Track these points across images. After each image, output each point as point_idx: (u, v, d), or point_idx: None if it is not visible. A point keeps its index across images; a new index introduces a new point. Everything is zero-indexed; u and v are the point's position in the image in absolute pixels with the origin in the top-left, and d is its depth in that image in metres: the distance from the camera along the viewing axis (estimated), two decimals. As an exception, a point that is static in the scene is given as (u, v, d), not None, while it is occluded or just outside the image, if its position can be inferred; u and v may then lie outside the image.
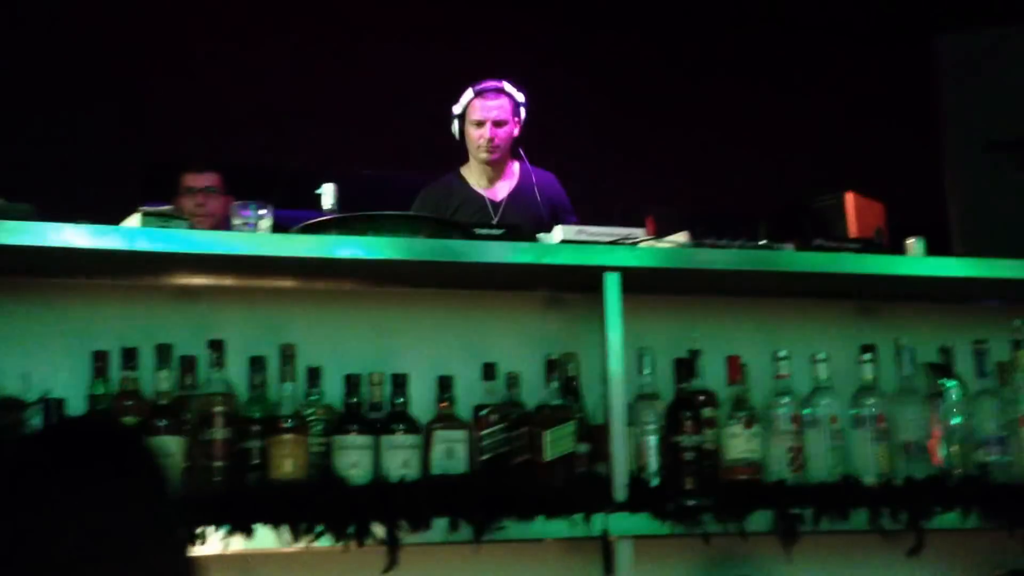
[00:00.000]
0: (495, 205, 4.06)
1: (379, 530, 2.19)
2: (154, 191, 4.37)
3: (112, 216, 2.38)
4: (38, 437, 1.66)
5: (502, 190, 4.11)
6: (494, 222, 3.75)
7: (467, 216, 3.76)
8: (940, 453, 2.64)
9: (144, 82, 5.91)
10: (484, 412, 2.47)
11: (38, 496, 1.30)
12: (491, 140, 3.98)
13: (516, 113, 4.03)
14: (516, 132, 4.06)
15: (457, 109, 4.05)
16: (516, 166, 4.14)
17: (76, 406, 2.26)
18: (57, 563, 1.27)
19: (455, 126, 4.09)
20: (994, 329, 2.80)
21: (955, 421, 2.67)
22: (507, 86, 4.04)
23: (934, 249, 2.90)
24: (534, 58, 6.56)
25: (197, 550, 2.06)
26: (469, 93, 4.01)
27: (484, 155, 4.02)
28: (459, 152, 4.20)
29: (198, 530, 2.07)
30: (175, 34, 6.09)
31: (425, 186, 4.12)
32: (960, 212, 3.25)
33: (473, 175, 4.12)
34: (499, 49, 6.45)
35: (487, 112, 3.98)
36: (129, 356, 2.31)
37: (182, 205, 4.24)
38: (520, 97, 4.05)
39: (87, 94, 5.82)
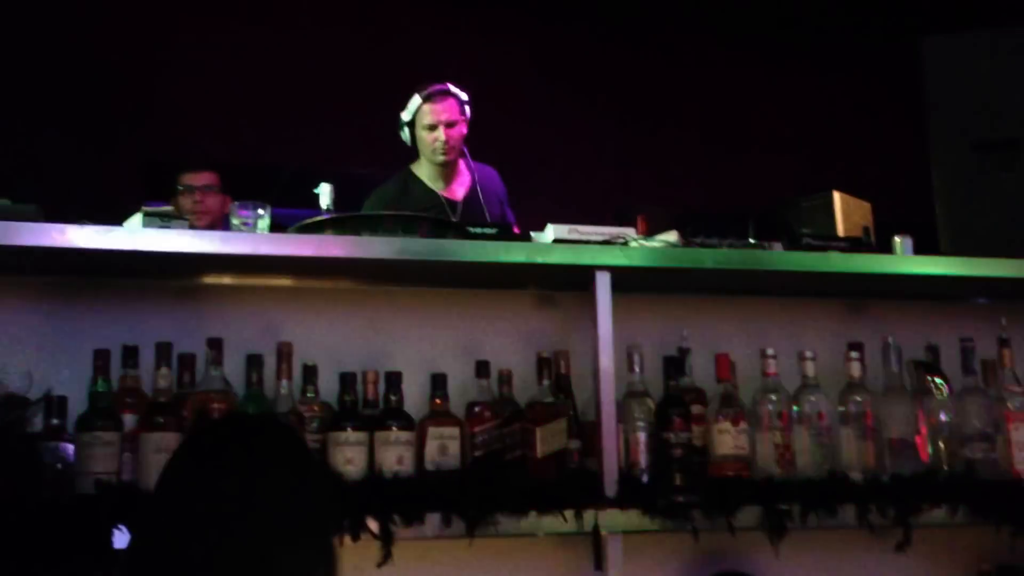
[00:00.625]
0: (453, 205, 4.10)
1: (373, 525, 2.23)
2: (155, 191, 4.41)
3: (114, 216, 2.42)
4: (225, 426, 1.80)
5: (459, 190, 4.15)
6: (454, 221, 3.76)
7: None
8: (927, 450, 2.68)
9: (146, 84, 5.94)
10: (477, 409, 2.51)
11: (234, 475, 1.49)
12: (445, 142, 4.01)
13: (463, 112, 4.08)
14: (465, 131, 4.10)
15: (406, 116, 4.08)
16: (462, 165, 4.17)
17: (78, 404, 2.30)
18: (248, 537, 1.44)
19: (405, 132, 4.11)
20: (980, 327, 2.84)
21: (942, 418, 2.71)
22: (452, 87, 4.07)
23: (921, 248, 2.94)
24: (521, 59, 6.61)
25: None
26: (417, 99, 4.04)
27: (440, 157, 4.04)
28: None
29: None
30: (176, 36, 6.12)
31: (382, 185, 4.13)
32: (947, 211, 3.28)
33: (427, 175, 4.13)
34: (485, 49, 6.50)
35: (438, 115, 4.01)
36: (129, 354, 2.35)
37: (180, 203, 4.28)
38: (464, 96, 4.08)
39: (89, 96, 5.85)
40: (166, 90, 5.95)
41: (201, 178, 4.36)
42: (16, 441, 2.14)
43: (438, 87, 4.05)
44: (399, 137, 4.14)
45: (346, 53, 6.40)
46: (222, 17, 6.24)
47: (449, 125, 4.03)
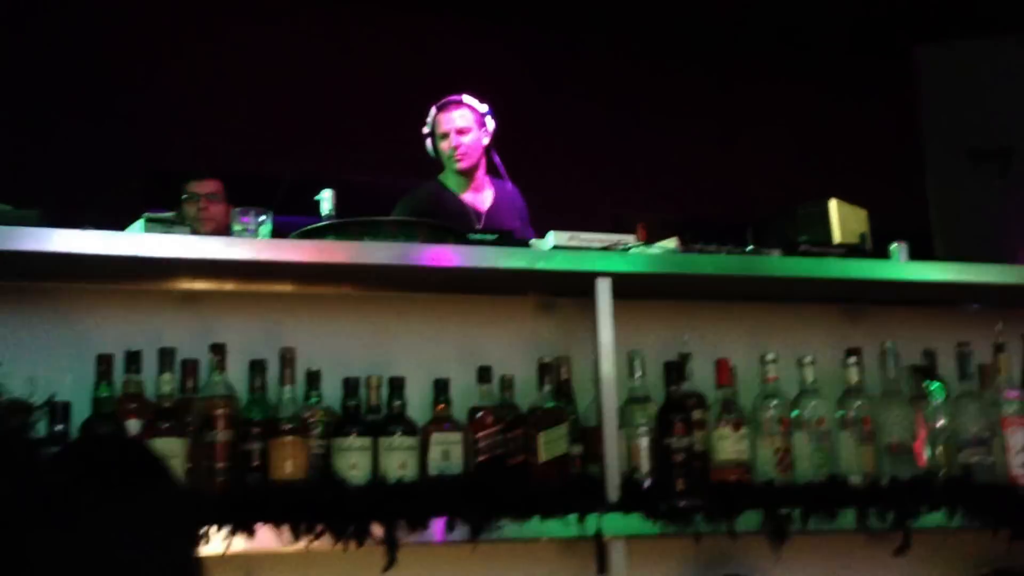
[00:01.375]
0: (479, 215, 4.15)
1: (378, 530, 2.24)
2: (158, 198, 4.42)
3: (116, 222, 2.42)
4: (70, 453, 1.71)
5: (484, 200, 4.21)
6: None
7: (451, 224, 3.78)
8: (925, 454, 2.70)
9: (149, 91, 5.95)
10: (479, 414, 2.51)
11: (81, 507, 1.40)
12: (456, 148, 4.10)
13: (481, 123, 4.16)
14: (485, 141, 4.18)
15: (426, 129, 4.19)
16: (486, 178, 4.25)
17: (81, 409, 2.29)
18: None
19: (428, 145, 4.21)
20: (976, 332, 2.86)
21: (939, 423, 2.73)
22: (467, 98, 4.17)
23: (917, 254, 2.96)
24: (520, 68, 6.64)
25: (200, 549, 2.11)
26: (433, 111, 4.17)
27: (454, 164, 4.13)
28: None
29: (201, 530, 2.12)
30: (180, 44, 6.13)
31: (408, 192, 4.19)
32: (942, 218, 3.31)
33: (454, 185, 4.20)
34: (486, 57, 6.52)
35: (450, 123, 4.12)
36: (133, 360, 2.36)
37: (185, 210, 4.31)
38: (482, 108, 4.17)
39: (92, 103, 5.85)
40: (169, 98, 5.97)
41: (206, 186, 4.43)
42: (19, 447, 2.13)
43: (451, 97, 4.15)
44: (399, 144, 4.18)
45: (347, 62, 6.42)
46: (226, 26, 6.26)
47: (461, 132, 4.10)
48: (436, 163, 4.22)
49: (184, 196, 4.42)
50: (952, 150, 3.35)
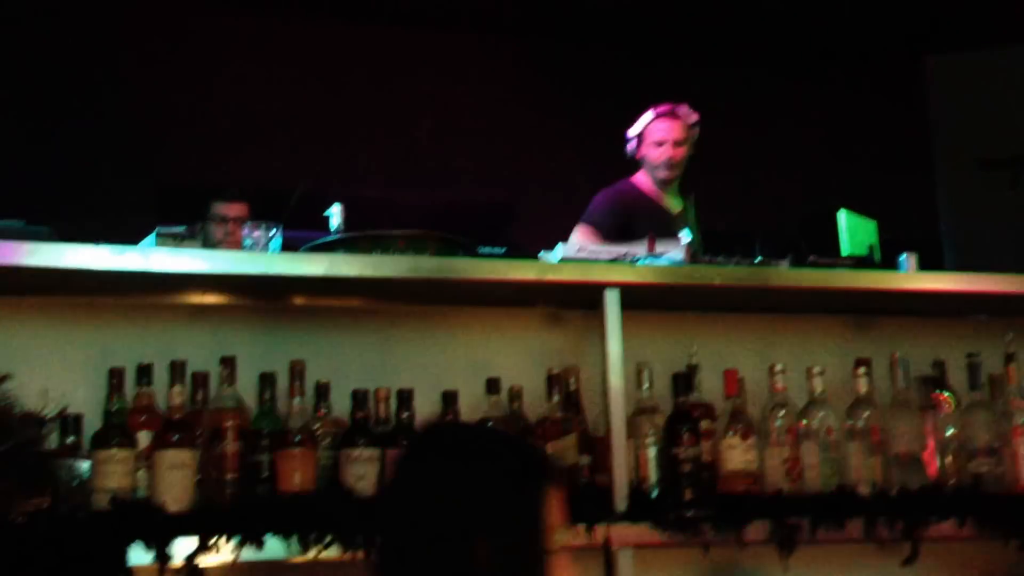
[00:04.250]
0: (673, 217, 4.14)
1: (386, 540, 2.25)
2: (170, 213, 4.44)
3: (129, 237, 2.45)
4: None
5: (676, 204, 4.22)
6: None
7: (649, 226, 3.58)
8: (934, 464, 2.69)
9: (160, 107, 6.01)
10: (488, 426, 2.52)
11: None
12: (670, 159, 4.14)
13: (690, 136, 4.20)
14: (687, 152, 4.21)
15: (635, 130, 4.21)
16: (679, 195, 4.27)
17: (93, 421, 2.32)
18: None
19: (632, 146, 4.24)
20: (986, 342, 2.85)
21: (948, 433, 2.72)
22: (683, 109, 4.20)
23: (927, 264, 2.96)
24: (529, 80, 6.66)
25: (209, 560, 2.14)
26: (650, 114, 4.18)
27: (664, 173, 4.15)
28: (455, 174, 4.32)
29: (211, 540, 2.14)
30: (191, 60, 6.19)
31: (605, 190, 4.23)
32: (951, 228, 3.31)
33: (654, 188, 4.23)
34: (495, 73, 6.56)
35: (668, 132, 4.15)
36: (144, 373, 2.38)
37: (212, 230, 4.32)
38: (693, 119, 4.21)
39: (104, 118, 5.91)
40: (182, 113, 6.02)
41: (234, 208, 4.39)
42: (32, 458, 2.16)
43: (671, 106, 4.18)
44: (406, 158, 4.21)
45: (356, 78, 6.46)
46: (239, 41, 6.32)
47: (677, 144, 4.14)
48: (444, 178, 4.24)
49: (210, 215, 4.40)
50: (962, 160, 3.36)
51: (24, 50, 5.88)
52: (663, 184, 4.20)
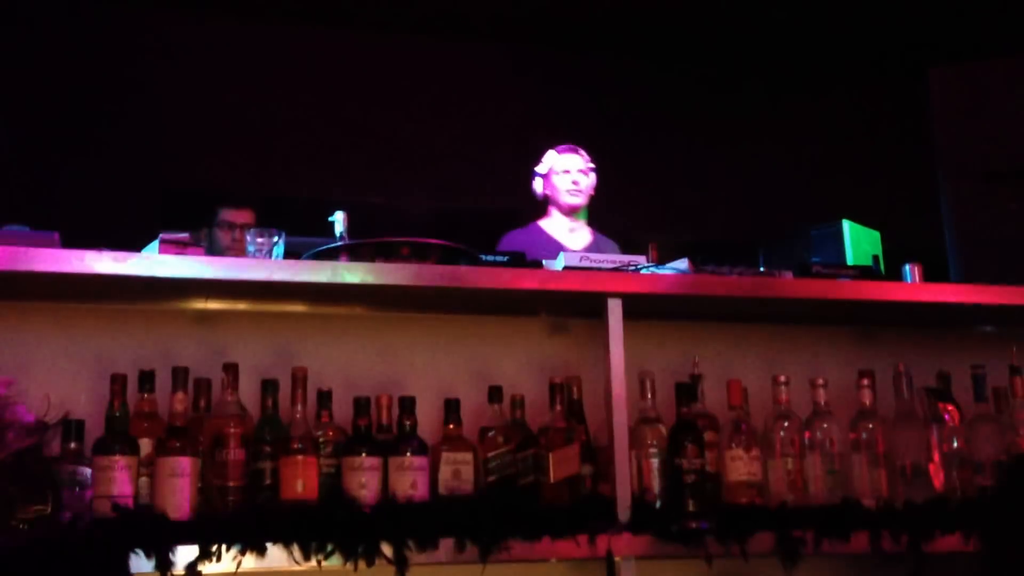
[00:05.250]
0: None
1: (387, 550, 2.24)
2: (174, 219, 4.43)
3: (133, 243, 2.45)
4: None
5: (578, 242, 4.41)
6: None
7: None
8: (940, 477, 2.68)
9: (165, 114, 6.01)
10: (490, 434, 2.52)
11: None
12: (576, 184, 4.42)
13: (590, 172, 4.48)
14: (594, 184, 4.49)
15: (542, 168, 4.50)
16: (588, 228, 4.49)
17: (95, 428, 2.31)
18: None
19: (538, 183, 4.51)
20: (991, 354, 2.84)
21: (954, 445, 2.71)
22: (580, 150, 4.51)
23: (931, 275, 2.96)
24: (532, 90, 6.67)
25: (210, 568, 2.13)
26: (552, 153, 4.50)
27: (570, 198, 4.41)
28: (459, 181, 4.34)
29: (212, 548, 2.13)
30: (196, 67, 6.19)
31: (509, 232, 4.46)
32: (956, 239, 3.30)
33: (553, 227, 4.45)
34: (498, 82, 6.56)
35: (574, 163, 4.46)
36: (146, 379, 2.38)
37: (218, 236, 4.32)
38: (590, 164, 4.50)
39: (110, 125, 5.91)
40: (186, 120, 6.02)
41: (241, 216, 4.40)
42: (34, 465, 2.16)
43: (571, 145, 4.52)
44: (412, 167, 4.23)
45: (361, 85, 6.47)
46: (242, 49, 6.32)
47: (583, 172, 4.44)
48: (448, 186, 4.26)
49: (217, 222, 4.40)
50: (967, 171, 3.35)
51: (29, 56, 5.89)
52: (571, 213, 4.43)
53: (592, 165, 4.50)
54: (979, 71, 3.45)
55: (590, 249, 4.34)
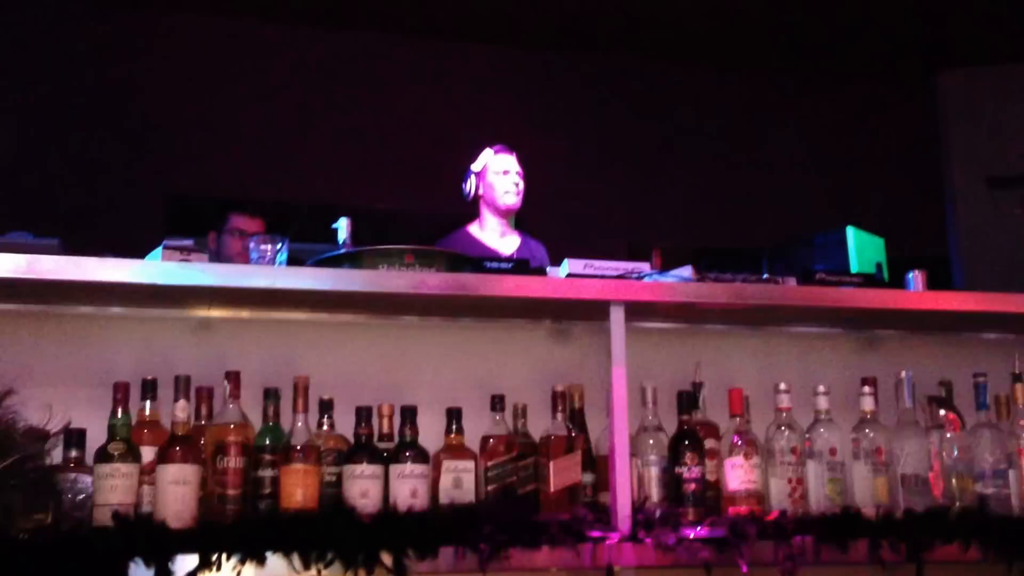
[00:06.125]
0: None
1: (387, 559, 2.24)
2: (178, 226, 4.43)
3: (138, 250, 2.46)
4: None
5: (508, 246, 4.37)
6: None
7: None
8: (940, 486, 2.67)
9: (168, 120, 6.01)
10: (491, 442, 2.52)
11: None
12: (516, 185, 4.33)
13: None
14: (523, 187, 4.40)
15: (476, 167, 4.39)
16: (516, 231, 4.44)
17: (96, 436, 2.32)
18: None
19: (471, 183, 4.41)
20: (993, 362, 2.83)
21: (955, 454, 2.71)
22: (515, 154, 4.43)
23: (935, 282, 2.94)
24: (535, 94, 6.66)
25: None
26: (489, 152, 4.40)
27: (511, 199, 4.33)
28: (459, 187, 4.36)
29: (212, 557, 2.14)
30: (200, 71, 6.20)
31: (442, 239, 4.39)
32: (961, 246, 3.29)
33: (484, 232, 4.39)
34: (499, 88, 6.55)
35: (511, 164, 4.37)
36: (148, 387, 2.39)
37: (228, 243, 4.31)
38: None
39: (113, 131, 5.92)
40: (190, 126, 6.02)
41: (252, 224, 4.34)
42: (35, 473, 2.17)
43: (506, 145, 4.43)
44: (417, 174, 4.23)
45: (365, 90, 6.46)
46: (246, 53, 6.32)
47: (520, 174, 4.37)
48: (451, 192, 4.27)
49: (227, 229, 4.36)
50: (972, 178, 3.34)
51: (32, 60, 5.90)
52: (502, 218, 4.37)
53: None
54: (987, 76, 3.44)
55: (519, 253, 4.33)
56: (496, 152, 4.40)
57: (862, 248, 3.09)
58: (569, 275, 2.69)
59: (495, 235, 4.38)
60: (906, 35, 6.34)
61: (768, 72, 6.94)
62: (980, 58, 3.70)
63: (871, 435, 2.67)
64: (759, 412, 2.71)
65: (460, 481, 2.45)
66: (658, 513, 2.47)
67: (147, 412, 2.38)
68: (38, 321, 2.49)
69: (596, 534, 2.39)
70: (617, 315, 2.58)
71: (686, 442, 2.54)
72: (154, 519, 2.20)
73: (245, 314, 2.61)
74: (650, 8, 6.32)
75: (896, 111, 6.74)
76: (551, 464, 2.49)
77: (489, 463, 2.49)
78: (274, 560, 2.19)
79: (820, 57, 6.76)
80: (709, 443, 2.59)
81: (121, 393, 2.35)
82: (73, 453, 2.28)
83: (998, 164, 3.31)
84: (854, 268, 3.08)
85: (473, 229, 4.42)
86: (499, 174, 4.36)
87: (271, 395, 2.42)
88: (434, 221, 4.48)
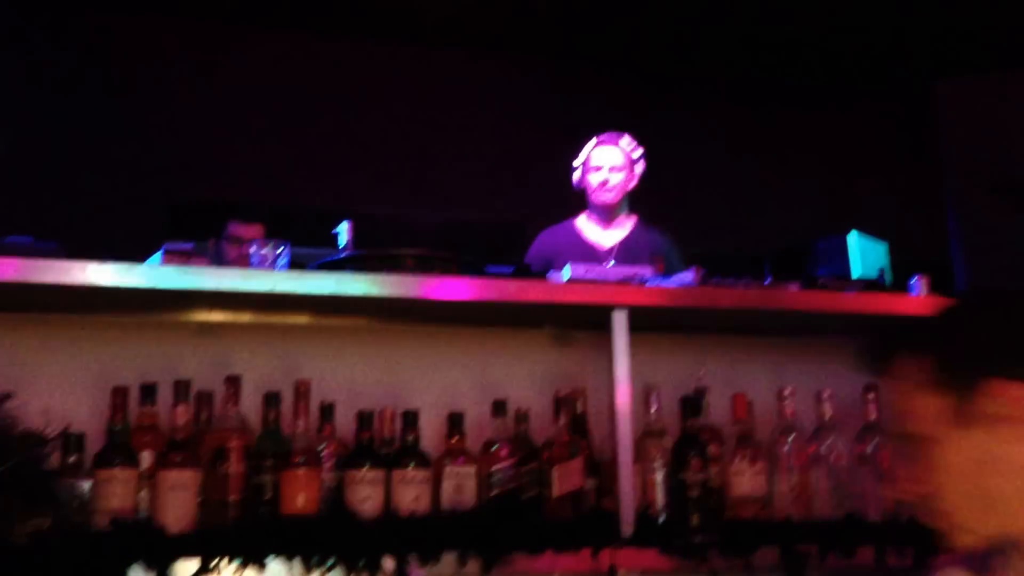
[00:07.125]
0: (602, 254, 4.28)
1: (389, 564, 2.22)
2: (178, 230, 4.43)
3: (139, 255, 2.44)
4: None
5: (612, 238, 4.34)
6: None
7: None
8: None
9: (170, 125, 6.01)
10: (494, 448, 2.50)
11: None
12: (604, 183, 4.30)
13: (631, 165, 4.36)
14: (632, 184, 4.37)
15: (578, 160, 4.38)
16: (630, 220, 4.39)
17: (95, 441, 2.30)
18: None
19: (576, 175, 4.39)
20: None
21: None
22: (623, 140, 4.39)
23: (938, 287, 2.93)
24: (537, 97, 6.66)
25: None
26: (591, 143, 4.37)
27: (600, 196, 4.31)
28: (466, 192, 4.34)
29: (212, 562, 2.12)
30: (200, 75, 6.20)
31: (544, 231, 4.41)
32: (963, 251, 3.28)
33: (588, 224, 4.38)
34: (504, 90, 6.55)
35: (603, 159, 4.33)
36: (148, 392, 2.37)
37: (226, 249, 4.30)
38: (635, 153, 4.37)
39: (113, 135, 5.92)
40: (191, 130, 6.02)
41: (250, 231, 4.35)
42: (33, 478, 2.15)
43: (608, 134, 4.38)
44: (420, 178, 4.23)
45: (367, 96, 6.46)
46: (248, 59, 6.32)
47: (613, 169, 4.31)
48: (457, 197, 4.26)
49: (225, 235, 4.37)
50: (974, 183, 3.33)
51: (33, 64, 5.89)
52: (602, 211, 4.33)
53: (635, 156, 4.37)
54: (987, 83, 3.43)
55: (624, 244, 4.29)
56: (596, 145, 4.37)
57: (865, 253, 3.08)
58: (571, 279, 2.67)
59: (597, 227, 4.36)
60: (905, 42, 6.35)
61: (772, 80, 6.95)
62: (978, 65, 3.69)
63: (876, 441, 2.65)
64: (763, 417, 2.69)
65: (462, 486, 2.43)
66: (662, 518, 2.46)
67: (146, 417, 2.36)
68: (36, 325, 2.47)
69: (599, 539, 2.38)
70: (619, 320, 2.56)
71: (690, 448, 2.51)
72: (153, 524, 2.18)
73: (246, 318, 2.59)
74: (654, 15, 6.33)
75: (897, 116, 6.74)
76: (554, 469, 2.47)
77: (491, 468, 2.47)
78: (275, 565, 2.17)
79: (823, 64, 6.77)
80: (713, 448, 2.57)
81: (120, 398, 2.33)
82: (72, 458, 2.25)
83: (999, 170, 3.30)
84: (857, 273, 3.06)
85: (580, 220, 4.41)
86: (593, 170, 4.34)
87: (272, 400, 2.40)
88: (437, 226, 4.47)
